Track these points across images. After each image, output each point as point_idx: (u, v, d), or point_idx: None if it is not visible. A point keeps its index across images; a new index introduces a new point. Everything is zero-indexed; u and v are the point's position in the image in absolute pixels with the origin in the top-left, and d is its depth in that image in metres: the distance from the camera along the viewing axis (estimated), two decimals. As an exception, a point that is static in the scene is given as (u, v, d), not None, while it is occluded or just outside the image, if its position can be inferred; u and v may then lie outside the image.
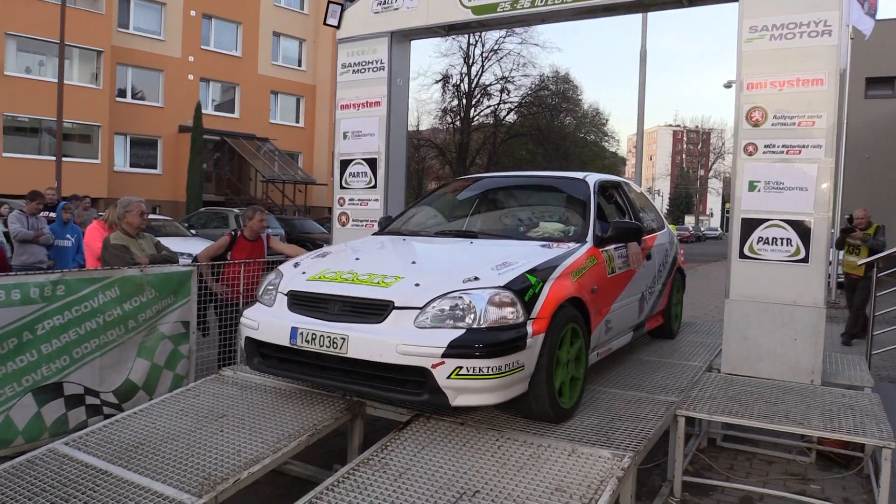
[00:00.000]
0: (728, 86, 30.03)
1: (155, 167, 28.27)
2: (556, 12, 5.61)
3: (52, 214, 8.88)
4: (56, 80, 19.47)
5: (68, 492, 3.05)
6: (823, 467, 4.52)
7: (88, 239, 6.35)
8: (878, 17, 6.54)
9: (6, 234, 8.69)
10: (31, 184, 9.62)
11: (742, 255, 4.72)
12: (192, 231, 16.77)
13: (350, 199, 6.66)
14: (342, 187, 6.71)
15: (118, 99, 26.51)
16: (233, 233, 6.10)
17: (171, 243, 6.63)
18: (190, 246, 11.67)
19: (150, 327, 4.77)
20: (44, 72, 24.39)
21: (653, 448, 3.72)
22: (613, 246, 4.49)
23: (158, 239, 5.89)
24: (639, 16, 16.96)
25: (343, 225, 6.66)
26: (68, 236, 8.30)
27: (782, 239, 4.58)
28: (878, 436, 3.55)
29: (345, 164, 6.68)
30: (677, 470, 3.97)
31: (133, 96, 27.50)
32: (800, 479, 4.35)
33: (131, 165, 27.53)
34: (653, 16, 20.94)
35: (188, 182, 26.66)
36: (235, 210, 19.30)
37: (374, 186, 6.49)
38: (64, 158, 19.84)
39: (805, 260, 4.50)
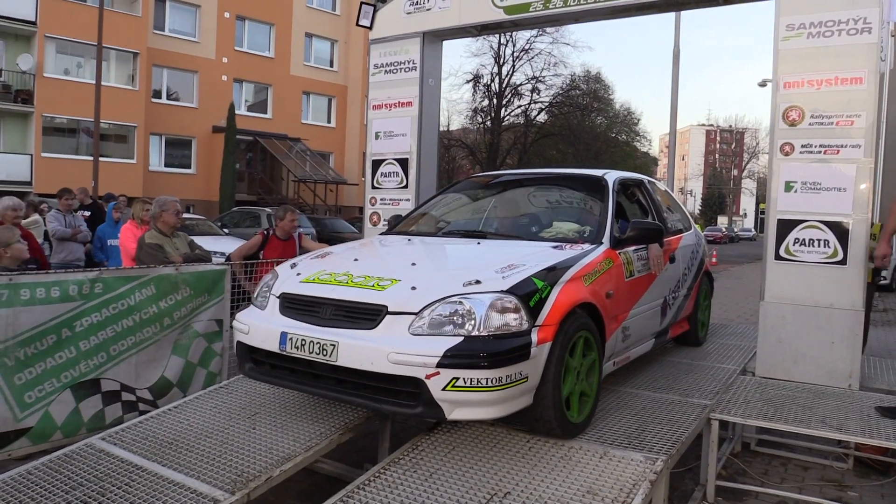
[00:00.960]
0: (763, 84, 29.61)
1: (189, 167, 28.77)
2: (588, 12, 5.57)
3: (87, 213, 9.07)
4: (93, 82, 19.93)
5: (104, 486, 3.11)
6: (861, 474, 4.42)
7: (122, 239, 6.46)
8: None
9: (45, 233, 8.90)
10: (69, 183, 9.84)
11: (778, 257, 4.64)
12: (225, 230, 16.99)
13: (382, 199, 6.69)
14: (374, 187, 6.75)
15: (153, 100, 27.06)
16: (265, 232, 6.21)
17: (205, 242, 6.73)
18: (223, 245, 11.83)
19: (184, 325, 4.85)
20: (82, 73, 25.00)
21: (686, 451, 3.67)
22: (633, 248, 4.29)
23: (192, 238, 5.99)
24: (672, 14, 16.79)
25: (374, 224, 6.70)
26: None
27: (819, 240, 4.49)
28: (919, 443, 3.47)
29: (376, 164, 6.72)
30: (710, 474, 3.92)
31: (168, 97, 28.03)
32: (836, 485, 4.27)
33: (166, 165, 28.07)
34: (686, 13, 20.72)
35: (221, 181, 27.07)
36: (268, 209, 19.52)
37: (406, 186, 6.51)
38: (101, 158, 20.30)
39: (843, 262, 4.41)
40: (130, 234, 6.26)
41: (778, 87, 4.67)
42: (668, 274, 4.87)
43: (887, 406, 3.82)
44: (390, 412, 3.45)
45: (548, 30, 34.32)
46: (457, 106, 64.20)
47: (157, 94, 27.50)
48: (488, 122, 38.52)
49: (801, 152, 4.56)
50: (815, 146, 4.51)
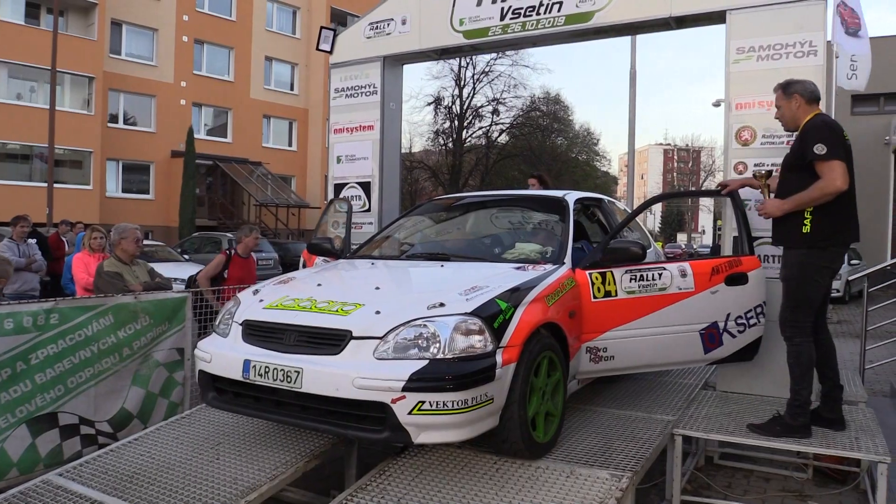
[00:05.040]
0: (717, 105, 30.36)
1: (147, 192, 28.28)
2: (546, 36, 5.69)
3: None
4: (47, 107, 19.55)
5: (63, 523, 3.02)
6: (820, 483, 4.52)
7: (74, 269, 6.31)
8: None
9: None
10: (22, 211, 9.61)
11: (735, 273, 4.71)
12: (185, 256, 16.74)
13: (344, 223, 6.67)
14: (337, 211, 6.73)
15: (110, 125, 26.57)
16: (227, 252, 6.41)
17: (164, 269, 6.68)
18: (183, 271, 11.69)
19: (144, 355, 4.75)
20: (35, 98, 24.49)
21: (651, 467, 3.71)
22: (624, 268, 4.04)
23: (152, 265, 5.92)
24: (628, 38, 17.17)
25: (337, 248, 6.66)
26: None
27: (774, 256, 4.59)
28: (874, 451, 3.57)
29: (339, 187, 6.71)
30: (675, 489, 3.96)
31: (125, 122, 27.58)
32: (797, 495, 4.35)
33: (123, 191, 27.54)
34: (642, 36, 21.20)
35: (181, 207, 26.63)
36: (229, 234, 19.31)
37: (369, 210, 6.51)
38: (55, 185, 19.87)
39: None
40: (82, 264, 6.14)
41: (730, 108, 4.81)
42: (718, 298, 4.21)
43: (757, 423, 3.98)
44: (356, 438, 3.45)
45: (507, 52, 34.79)
46: (418, 128, 64.32)
47: (114, 119, 27.04)
48: (450, 144, 38.71)
49: (753, 171, 4.68)
50: (767, 165, 4.63)
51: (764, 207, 4.05)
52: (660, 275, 4.12)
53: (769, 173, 4.13)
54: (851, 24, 4.92)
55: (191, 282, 6.92)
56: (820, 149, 3.70)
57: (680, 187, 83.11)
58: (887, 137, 21.94)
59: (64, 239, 11.39)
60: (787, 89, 4.04)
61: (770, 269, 4.52)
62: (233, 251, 6.39)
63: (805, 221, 3.82)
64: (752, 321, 4.32)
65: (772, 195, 4.13)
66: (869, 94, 22.17)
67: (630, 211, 6.48)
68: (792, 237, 3.92)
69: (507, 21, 5.71)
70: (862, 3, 5.20)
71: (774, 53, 4.65)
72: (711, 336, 4.27)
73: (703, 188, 71.05)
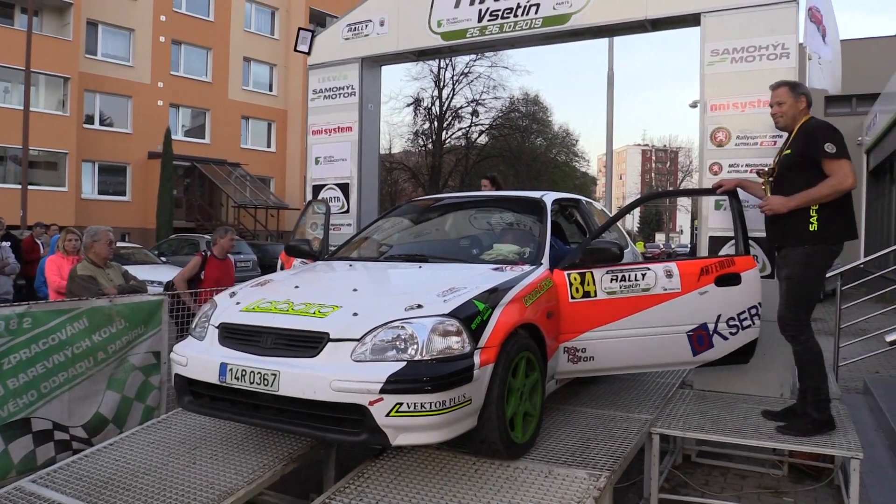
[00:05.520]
0: (694, 106, 30.65)
1: (124, 194, 27.98)
2: (524, 38, 5.71)
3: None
4: (22, 108, 19.27)
5: (36, 530, 2.98)
6: (796, 480, 4.58)
7: (47, 272, 6.23)
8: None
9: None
10: (-5, 213, 9.49)
11: (711, 273, 4.76)
12: (163, 258, 16.57)
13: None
14: (315, 213, 6.70)
15: (86, 125, 26.25)
16: (203, 253, 6.40)
17: (141, 271, 6.62)
18: (160, 273, 11.56)
19: (120, 359, 4.70)
20: (9, 99, 24.13)
21: (629, 466, 3.74)
22: (606, 269, 4.01)
23: (126, 268, 5.86)
24: (606, 39, 17.27)
25: (316, 250, 6.63)
26: None
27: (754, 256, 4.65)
28: (847, 447, 3.62)
29: (317, 189, 6.69)
30: (653, 488, 3.99)
31: (101, 123, 27.26)
32: (773, 492, 4.40)
33: (99, 192, 27.21)
34: (620, 38, 21.37)
35: (158, 209, 26.37)
36: (207, 236, 19.12)
37: (347, 211, 6.50)
38: (30, 187, 19.63)
39: (772, 276, 4.57)
40: (55, 266, 6.06)
41: (705, 109, 4.86)
42: (707, 299, 4.10)
43: (772, 410, 4.08)
44: (334, 440, 3.45)
45: (486, 54, 34.85)
46: (398, 129, 64.41)
47: (90, 120, 26.71)
48: (430, 145, 38.72)
49: (728, 172, 4.74)
50: (742, 166, 4.70)
51: (768, 203, 4.02)
52: (643, 275, 4.04)
53: (773, 171, 4.11)
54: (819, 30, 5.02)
55: (170, 285, 6.87)
56: (830, 147, 3.78)
57: (658, 187, 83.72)
58: (860, 138, 22.26)
59: (38, 242, 11.24)
60: (795, 89, 4.07)
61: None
62: (209, 253, 6.35)
63: (811, 220, 3.86)
64: (745, 323, 4.18)
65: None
66: (842, 95, 22.47)
67: (607, 211, 6.52)
68: (797, 235, 3.92)
69: (484, 23, 5.73)
70: (834, 8, 5.26)
71: (748, 56, 4.71)
72: (700, 338, 4.16)
73: (681, 188, 71.77)
